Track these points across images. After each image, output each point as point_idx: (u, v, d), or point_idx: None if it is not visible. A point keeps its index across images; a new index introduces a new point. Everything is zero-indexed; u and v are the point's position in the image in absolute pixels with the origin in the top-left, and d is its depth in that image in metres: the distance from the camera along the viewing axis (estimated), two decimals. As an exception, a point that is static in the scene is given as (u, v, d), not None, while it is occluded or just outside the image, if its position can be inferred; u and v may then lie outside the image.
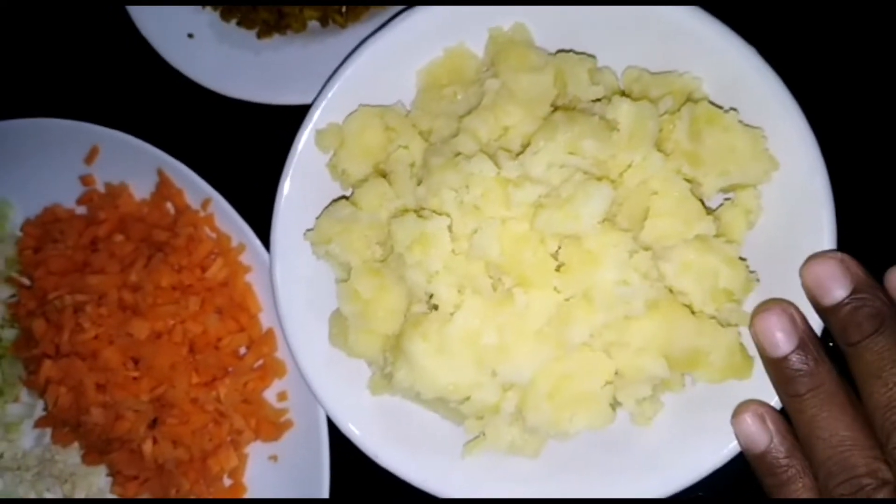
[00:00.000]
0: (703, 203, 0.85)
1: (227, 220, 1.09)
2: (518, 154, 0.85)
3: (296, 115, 0.96)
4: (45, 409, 1.14)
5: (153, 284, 1.06)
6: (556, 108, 0.89)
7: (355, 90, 0.94)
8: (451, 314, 0.85)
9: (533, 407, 0.84)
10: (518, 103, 0.87)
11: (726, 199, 0.89)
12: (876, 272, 0.79)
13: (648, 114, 0.84)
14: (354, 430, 0.94)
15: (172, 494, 1.07)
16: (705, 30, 0.86)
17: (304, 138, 0.94)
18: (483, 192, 0.83)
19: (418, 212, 0.87)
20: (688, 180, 0.85)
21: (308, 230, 0.94)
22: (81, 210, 1.18)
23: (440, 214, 0.85)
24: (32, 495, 1.13)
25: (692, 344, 0.83)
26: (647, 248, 0.82)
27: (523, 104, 0.88)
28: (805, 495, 0.78)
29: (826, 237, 0.83)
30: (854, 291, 0.77)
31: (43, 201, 1.20)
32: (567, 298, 0.83)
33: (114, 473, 1.12)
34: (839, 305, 0.78)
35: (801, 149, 0.84)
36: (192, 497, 1.07)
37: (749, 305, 0.85)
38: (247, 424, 1.07)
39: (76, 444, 1.14)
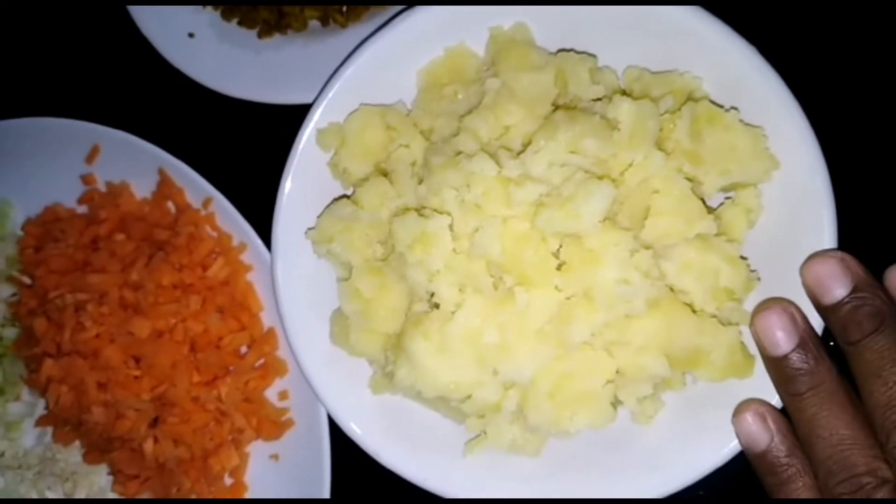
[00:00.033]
0: (703, 202, 0.85)
1: (228, 219, 1.09)
2: (519, 153, 0.85)
3: (297, 115, 0.96)
4: (47, 407, 1.14)
5: (154, 283, 1.06)
6: (556, 108, 0.89)
7: (356, 89, 0.94)
8: (453, 313, 0.85)
9: (534, 406, 0.84)
10: (519, 102, 0.88)
11: (727, 199, 0.89)
12: (876, 270, 0.79)
13: (649, 113, 0.84)
14: (355, 429, 0.94)
15: (173, 493, 1.07)
16: (706, 29, 0.86)
17: (305, 137, 0.94)
18: (484, 191, 0.83)
19: (419, 211, 0.87)
20: (689, 179, 0.85)
21: (309, 229, 0.94)
22: (82, 209, 1.18)
23: (441, 213, 0.85)
24: (33, 494, 1.14)
25: (693, 343, 0.83)
26: (647, 247, 0.82)
27: (524, 103, 0.88)
28: (805, 494, 0.78)
29: (826, 236, 0.83)
30: (854, 290, 0.78)
31: (44, 200, 1.20)
32: (568, 297, 0.83)
33: (115, 472, 1.12)
34: (839, 304, 0.78)
35: (801, 148, 0.84)
36: (194, 496, 1.08)
37: (750, 304, 0.85)
38: (248, 423, 1.07)
39: (77, 443, 1.14)
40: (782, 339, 0.80)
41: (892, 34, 1.03)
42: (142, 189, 1.16)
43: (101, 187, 1.17)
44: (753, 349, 0.84)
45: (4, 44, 1.29)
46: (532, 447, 0.89)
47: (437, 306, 0.86)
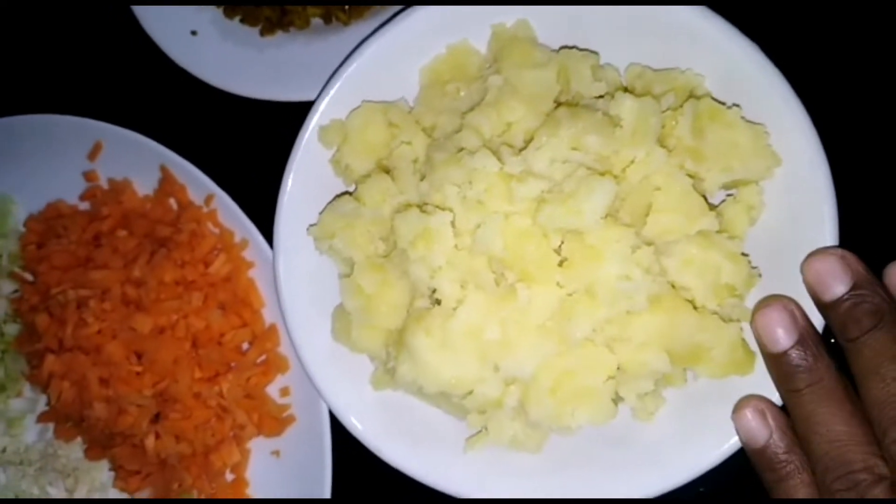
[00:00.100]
0: (705, 199, 0.86)
1: (230, 215, 1.10)
2: (521, 150, 0.86)
3: (299, 112, 0.96)
4: (48, 403, 1.14)
5: (156, 280, 1.07)
6: (559, 105, 0.89)
7: (358, 87, 0.95)
8: (454, 309, 0.85)
9: (535, 402, 0.84)
10: (521, 99, 0.88)
11: (728, 195, 0.89)
12: (877, 268, 0.80)
13: (651, 110, 0.84)
14: (357, 425, 0.94)
15: (175, 489, 1.07)
16: (708, 27, 0.86)
17: (308, 134, 0.95)
18: (486, 188, 0.83)
19: (421, 207, 0.87)
20: (690, 176, 0.85)
21: (311, 225, 0.94)
22: (85, 206, 1.18)
23: (443, 210, 0.85)
24: (35, 490, 1.14)
25: (694, 339, 0.83)
26: (649, 244, 0.82)
27: (526, 100, 0.88)
28: (803, 491, 0.79)
29: (828, 233, 0.83)
30: (854, 287, 0.78)
31: (46, 197, 1.20)
32: (569, 293, 0.83)
33: (116, 468, 1.12)
34: (839, 301, 0.78)
35: (803, 145, 0.84)
36: (195, 492, 1.08)
37: (751, 301, 0.85)
38: (249, 419, 1.07)
39: (79, 439, 1.14)
40: (782, 336, 0.80)
41: (893, 32, 1.03)
42: (144, 186, 1.16)
43: (104, 184, 1.18)
44: (754, 346, 0.84)
45: (8, 42, 1.29)
46: (533, 443, 0.89)
47: (438, 302, 0.86)
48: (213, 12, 1.17)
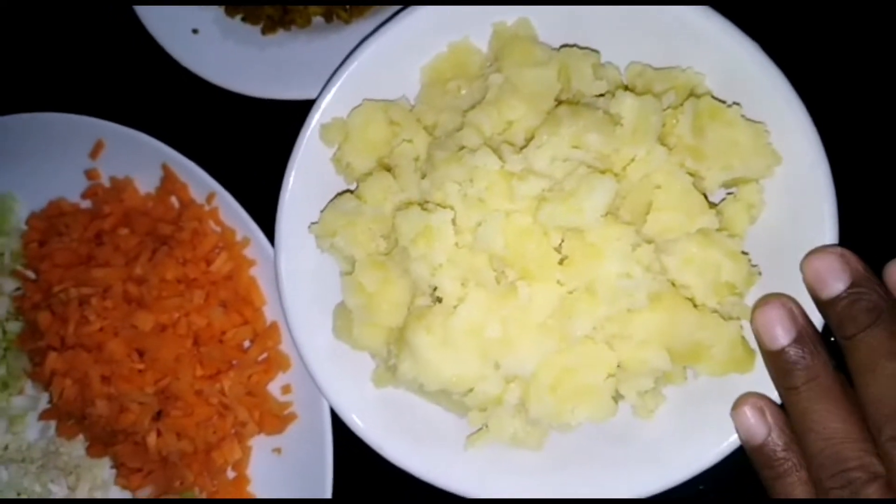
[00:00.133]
0: (705, 197, 0.86)
1: (232, 214, 1.10)
2: (522, 148, 0.86)
3: (300, 110, 0.96)
4: (50, 401, 1.14)
5: (158, 277, 1.07)
6: (559, 103, 0.89)
7: (359, 85, 0.95)
8: (455, 307, 0.85)
9: (536, 399, 0.85)
10: (522, 98, 0.88)
11: (729, 194, 0.89)
12: (878, 266, 0.80)
13: (652, 108, 0.84)
14: (358, 422, 0.94)
15: (176, 487, 1.08)
16: (708, 25, 0.87)
17: (309, 133, 0.95)
18: (487, 186, 0.83)
19: (422, 205, 0.87)
20: (691, 174, 0.85)
21: (313, 223, 0.94)
22: (86, 204, 1.19)
23: (444, 207, 0.85)
24: (37, 487, 1.14)
25: (694, 337, 0.84)
26: (649, 242, 0.82)
27: (527, 99, 0.88)
28: (800, 489, 0.79)
29: (828, 232, 0.83)
30: (852, 285, 0.78)
31: (48, 195, 1.21)
32: (570, 291, 0.83)
33: (118, 465, 1.12)
34: (837, 299, 0.78)
35: (803, 143, 0.84)
36: (196, 489, 1.08)
37: (751, 299, 0.86)
38: (251, 417, 1.08)
39: (81, 437, 1.15)
40: (779, 333, 0.80)
41: (892, 31, 1.03)
42: (145, 184, 1.16)
43: (105, 182, 1.18)
44: (754, 344, 0.84)
45: (11, 40, 1.30)
46: (534, 440, 0.90)
47: (439, 300, 0.87)
48: (214, 11, 1.18)
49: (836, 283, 0.78)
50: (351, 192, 0.95)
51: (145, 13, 1.16)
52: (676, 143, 0.87)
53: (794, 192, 0.85)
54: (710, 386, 0.87)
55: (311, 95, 0.97)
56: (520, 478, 0.91)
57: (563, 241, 0.84)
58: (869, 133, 1.01)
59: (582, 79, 0.89)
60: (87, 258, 1.12)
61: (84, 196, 1.19)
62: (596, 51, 0.92)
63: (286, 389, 1.09)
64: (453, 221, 0.85)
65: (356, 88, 0.95)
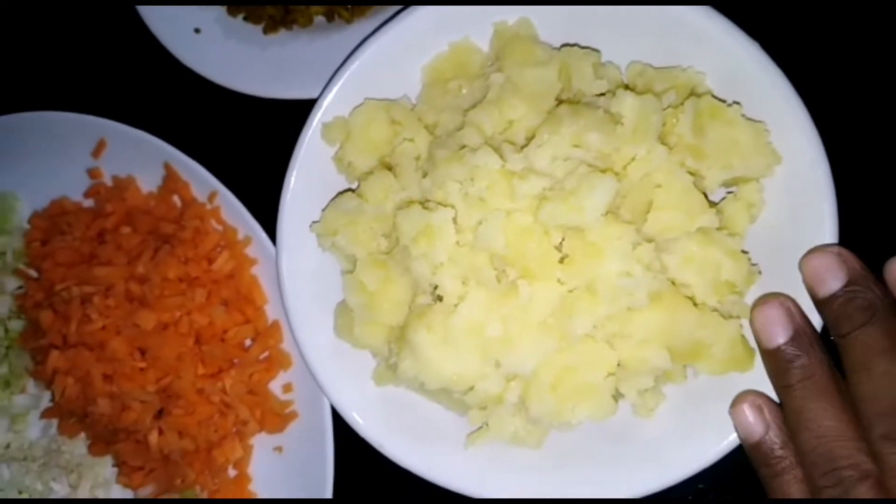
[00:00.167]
0: (705, 196, 0.86)
1: (234, 212, 1.10)
2: (523, 147, 0.86)
3: (302, 110, 0.96)
4: (52, 399, 1.14)
5: (160, 276, 1.07)
6: (560, 102, 0.89)
7: (361, 84, 0.95)
8: (456, 305, 0.85)
9: (536, 398, 0.85)
10: (523, 97, 0.88)
11: (729, 193, 0.89)
12: (877, 264, 0.80)
13: (652, 107, 0.85)
14: (359, 420, 0.94)
15: (178, 485, 1.08)
16: (708, 25, 0.87)
17: (311, 132, 0.95)
18: (488, 185, 0.84)
19: (424, 204, 0.87)
20: (691, 173, 0.86)
21: (314, 222, 0.94)
22: (89, 203, 1.19)
23: (445, 206, 0.85)
24: (39, 486, 1.14)
25: (694, 336, 0.84)
26: (650, 241, 0.83)
27: (528, 98, 0.88)
28: (796, 487, 0.79)
29: (828, 230, 0.84)
30: (848, 283, 0.78)
31: (50, 194, 1.21)
32: (570, 290, 0.84)
33: (119, 464, 1.13)
34: (833, 297, 0.79)
35: (803, 143, 0.84)
36: (198, 488, 1.08)
37: (751, 298, 0.86)
38: (252, 416, 1.08)
39: (82, 435, 1.15)
40: (776, 332, 0.81)
41: (892, 30, 1.03)
42: (148, 183, 1.16)
43: (108, 181, 1.18)
44: (754, 343, 0.84)
45: (14, 40, 1.30)
46: (534, 439, 0.90)
47: (440, 299, 0.87)
48: (216, 10, 1.18)
49: (832, 282, 0.79)
50: (352, 190, 0.95)
51: (147, 13, 1.17)
52: (677, 143, 0.87)
53: (794, 192, 0.86)
54: (710, 385, 0.87)
55: (312, 95, 0.97)
56: (520, 476, 0.92)
57: (563, 239, 0.84)
58: (868, 132, 1.02)
59: (582, 78, 0.89)
60: (89, 257, 1.12)
61: (86, 195, 1.19)
62: (597, 50, 0.92)
63: (287, 388, 1.09)
64: (454, 220, 0.85)
65: (357, 88, 0.95)
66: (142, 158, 1.14)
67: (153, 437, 1.07)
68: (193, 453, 1.08)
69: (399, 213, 0.88)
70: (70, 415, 1.13)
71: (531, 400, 0.85)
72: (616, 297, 0.82)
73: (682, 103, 0.87)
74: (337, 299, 0.96)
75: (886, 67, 1.03)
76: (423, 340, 0.85)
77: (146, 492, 1.12)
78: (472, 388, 0.87)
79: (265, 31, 1.16)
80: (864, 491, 0.73)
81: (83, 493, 1.13)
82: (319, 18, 1.15)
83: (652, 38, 0.90)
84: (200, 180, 1.11)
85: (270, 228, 1.01)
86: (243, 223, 1.10)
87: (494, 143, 0.86)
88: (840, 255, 0.79)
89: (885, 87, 1.03)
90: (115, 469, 1.14)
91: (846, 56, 1.04)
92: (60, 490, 1.14)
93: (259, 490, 1.10)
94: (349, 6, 1.12)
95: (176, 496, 1.09)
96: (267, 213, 1.01)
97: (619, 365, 0.85)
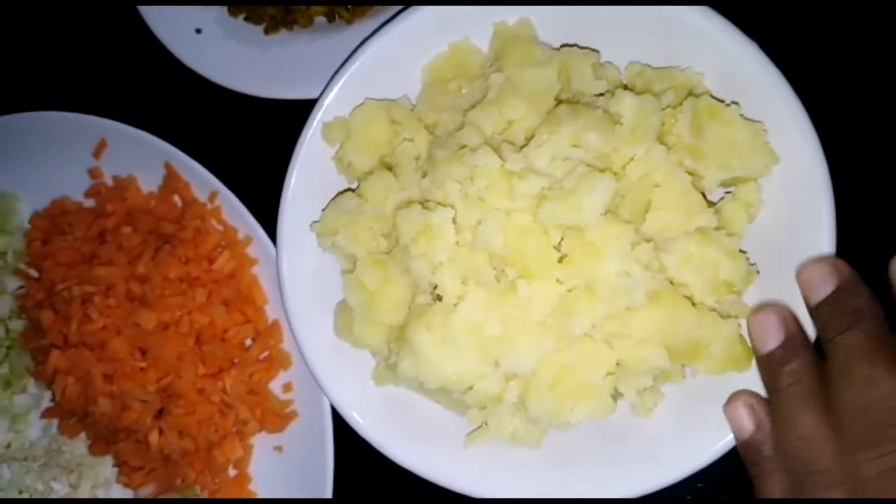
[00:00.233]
0: (704, 196, 0.86)
1: (234, 212, 1.10)
2: (522, 147, 0.86)
3: (302, 110, 0.96)
4: (53, 399, 1.14)
5: (160, 276, 1.07)
6: (559, 102, 0.89)
7: (361, 85, 0.95)
8: (455, 305, 0.85)
9: (535, 397, 0.85)
10: (522, 97, 0.88)
11: (727, 193, 0.90)
12: (876, 265, 0.80)
13: (651, 108, 0.85)
14: (358, 420, 0.94)
15: (178, 485, 1.08)
16: (707, 25, 0.87)
17: (311, 132, 0.95)
18: (487, 184, 0.84)
19: (423, 203, 0.87)
20: (689, 173, 0.86)
21: (314, 222, 0.95)
22: (89, 202, 1.19)
23: (445, 206, 0.85)
24: (39, 485, 1.14)
25: (693, 335, 0.84)
26: (648, 240, 0.83)
27: (527, 98, 0.88)
28: (776, 487, 0.79)
29: (826, 230, 0.84)
30: (837, 290, 0.79)
31: (51, 194, 1.21)
32: (569, 290, 0.84)
33: (120, 464, 1.13)
34: (822, 303, 0.79)
35: (801, 143, 0.84)
36: (198, 487, 1.08)
37: (749, 297, 0.86)
38: (252, 415, 1.08)
39: (83, 435, 1.15)
40: (768, 338, 0.81)
41: (892, 31, 1.03)
42: (148, 183, 1.17)
43: (108, 181, 1.18)
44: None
45: (14, 40, 1.30)
46: (533, 438, 0.90)
47: (440, 298, 0.87)
48: (217, 11, 1.18)
49: (823, 288, 0.79)
50: (352, 190, 0.95)
51: (148, 13, 1.17)
52: (675, 143, 0.87)
53: (793, 192, 0.86)
54: (708, 384, 0.88)
55: (313, 95, 0.98)
56: (519, 475, 0.92)
57: (562, 239, 0.84)
58: (867, 133, 1.02)
59: (582, 78, 0.89)
60: (90, 257, 1.12)
61: (87, 195, 1.19)
62: (596, 50, 0.92)
63: (287, 388, 1.09)
64: (454, 220, 0.85)
65: (358, 88, 0.95)
66: (143, 158, 1.14)
67: (153, 437, 1.07)
68: (194, 453, 1.08)
69: (399, 213, 0.88)
70: (70, 414, 1.13)
71: (530, 399, 0.85)
72: (615, 296, 0.82)
73: (680, 103, 0.87)
74: (337, 299, 0.96)
75: (885, 68, 1.03)
76: (423, 340, 0.85)
77: (146, 491, 1.12)
78: (471, 388, 0.87)
79: (266, 32, 1.16)
80: (836, 494, 0.73)
81: (83, 493, 1.13)
82: (320, 19, 1.15)
83: (651, 38, 0.90)
84: (201, 180, 1.11)
85: (271, 228, 1.01)
86: (244, 223, 1.10)
87: (494, 143, 0.87)
88: (833, 264, 0.80)
89: (883, 87, 1.03)
90: (116, 469, 1.14)
91: (845, 56, 1.04)
92: (61, 490, 1.14)
93: (259, 490, 1.10)
94: (350, 6, 1.12)
95: (176, 496, 1.10)
96: (267, 213, 1.02)
97: (617, 364, 0.85)
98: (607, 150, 0.85)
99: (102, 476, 1.15)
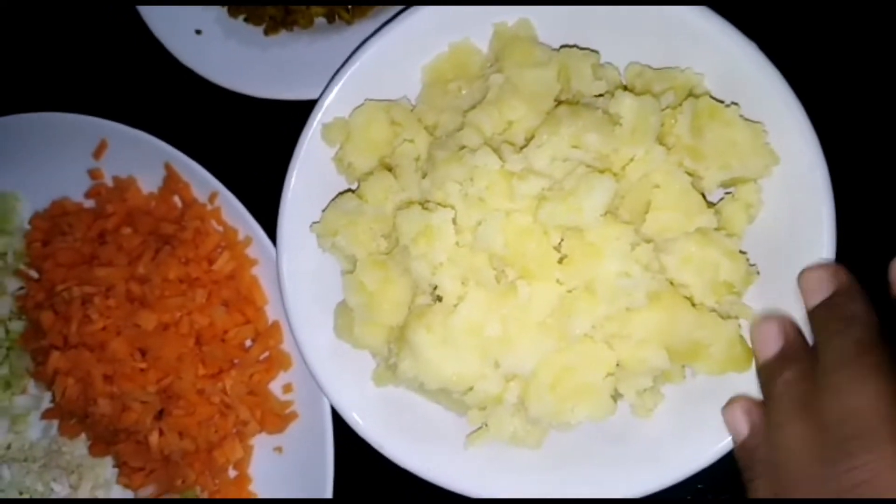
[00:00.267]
0: (704, 197, 0.86)
1: (234, 213, 1.10)
2: (522, 148, 0.86)
3: (302, 110, 0.96)
4: (53, 400, 1.14)
5: (160, 277, 1.07)
6: (559, 103, 0.89)
7: (361, 85, 0.95)
8: (455, 306, 0.85)
9: (535, 398, 0.85)
10: (522, 98, 0.88)
11: (727, 194, 0.90)
12: (876, 266, 0.79)
13: (651, 108, 0.85)
14: (358, 420, 0.94)
15: (178, 485, 1.08)
16: (707, 26, 0.87)
17: (311, 132, 0.95)
18: (487, 185, 0.84)
19: (423, 204, 0.87)
20: (689, 174, 0.86)
21: (314, 223, 0.95)
22: (89, 203, 1.19)
23: (445, 207, 0.85)
24: (39, 486, 1.14)
25: (693, 336, 0.84)
26: (648, 241, 0.83)
27: (527, 99, 0.88)
28: (763, 493, 0.79)
29: (826, 231, 0.84)
30: (833, 295, 0.79)
31: (51, 194, 1.21)
32: (569, 290, 0.84)
33: (120, 464, 1.13)
34: (817, 308, 0.79)
35: (801, 143, 0.84)
36: (198, 488, 1.08)
37: (749, 298, 0.86)
38: (252, 416, 1.08)
39: (83, 436, 1.15)
40: (768, 345, 0.82)
41: (891, 31, 1.03)
42: (148, 184, 1.16)
43: (109, 182, 1.18)
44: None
45: (14, 40, 1.30)
46: (533, 439, 0.90)
47: (440, 299, 0.87)
48: (217, 11, 1.18)
49: (820, 293, 0.79)
50: (352, 191, 0.95)
51: (148, 13, 1.17)
52: (675, 143, 0.87)
53: (792, 192, 0.86)
54: (708, 385, 0.88)
55: (313, 95, 0.98)
56: (519, 476, 0.92)
57: (562, 240, 0.84)
58: (866, 133, 1.02)
59: (581, 79, 0.89)
60: (90, 257, 1.12)
61: (87, 195, 1.19)
62: (595, 51, 0.92)
63: (287, 388, 1.09)
64: (454, 221, 0.85)
65: (358, 88, 0.95)
66: (143, 159, 1.14)
67: (154, 438, 1.07)
68: (194, 454, 1.08)
69: (399, 214, 0.88)
70: (71, 415, 1.13)
71: (530, 400, 0.85)
72: (615, 297, 0.82)
73: (680, 104, 0.87)
74: (337, 300, 0.96)
75: (885, 68, 1.03)
76: (423, 341, 0.85)
77: (147, 492, 1.12)
78: (471, 389, 0.87)
79: (266, 32, 1.16)
80: None
81: (84, 494, 1.13)
82: (320, 19, 1.15)
83: (651, 38, 0.90)
84: (201, 181, 1.11)
85: (271, 229, 1.01)
86: (244, 224, 1.10)
87: (494, 143, 0.87)
88: (832, 270, 0.80)
89: (883, 87, 1.03)
90: (116, 470, 1.14)
91: (844, 57, 1.04)
92: (61, 491, 1.14)
93: (259, 490, 1.10)
94: (350, 7, 1.12)
95: (176, 497, 1.10)
96: (267, 214, 1.02)
97: (617, 365, 0.85)
98: (607, 151, 0.85)
99: (102, 477, 1.15)
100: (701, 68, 0.89)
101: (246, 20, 1.17)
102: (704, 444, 0.87)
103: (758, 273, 0.87)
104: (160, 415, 1.08)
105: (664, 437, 0.89)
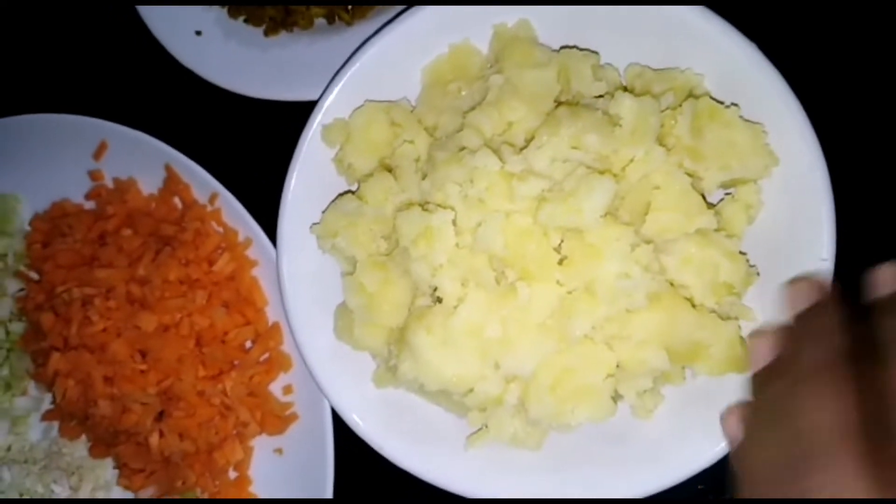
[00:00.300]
0: (703, 197, 0.86)
1: (234, 214, 1.10)
2: (522, 149, 0.86)
3: (302, 111, 0.96)
4: (53, 402, 1.14)
5: (161, 278, 1.07)
6: (559, 104, 0.89)
7: (361, 86, 0.95)
8: (455, 307, 0.85)
9: (535, 399, 0.85)
10: (522, 99, 0.88)
11: (727, 194, 0.90)
12: (874, 265, 0.79)
13: (650, 109, 0.85)
14: (359, 422, 0.95)
15: (178, 487, 1.08)
16: (707, 27, 0.87)
17: (311, 134, 0.95)
18: (487, 186, 0.84)
19: (423, 205, 0.87)
20: (689, 175, 0.86)
21: (314, 224, 0.95)
22: (90, 205, 1.19)
23: (445, 208, 0.85)
24: (39, 488, 1.14)
25: (693, 337, 0.84)
26: (648, 242, 0.83)
27: (527, 100, 0.88)
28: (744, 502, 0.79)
29: (825, 232, 0.84)
30: (813, 307, 0.78)
31: (51, 196, 1.21)
32: (569, 291, 0.84)
33: (120, 466, 1.12)
34: (793, 321, 0.79)
35: (801, 144, 0.84)
36: (198, 490, 1.08)
37: (749, 299, 0.86)
38: (252, 417, 1.08)
39: (83, 437, 1.15)
40: (758, 359, 0.80)
41: (891, 32, 1.03)
42: (149, 185, 1.16)
43: (109, 183, 1.18)
44: (753, 344, 0.85)
45: (14, 41, 1.30)
46: (533, 440, 0.90)
47: (440, 301, 0.87)
48: (217, 12, 1.18)
49: (798, 306, 0.79)
50: (352, 192, 0.95)
51: (148, 14, 1.17)
52: (675, 144, 0.87)
53: (792, 194, 0.86)
54: (708, 386, 0.88)
55: (313, 96, 0.98)
56: (519, 477, 0.92)
57: (562, 241, 0.84)
58: (866, 134, 1.01)
59: (581, 80, 0.90)
60: (90, 259, 1.12)
61: (87, 197, 1.19)
62: (595, 52, 0.92)
63: (287, 390, 1.09)
64: (454, 222, 0.85)
65: (358, 89, 0.95)
66: (143, 160, 1.14)
67: (154, 440, 1.07)
68: (194, 455, 1.07)
69: (399, 215, 0.88)
70: (71, 417, 1.13)
71: (530, 401, 0.85)
72: (615, 298, 0.82)
73: (680, 105, 0.88)
74: (337, 301, 0.96)
75: (885, 68, 1.03)
76: (423, 342, 0.85)
77: (147, 494, 1.12)
78: (471, 390, 0.87)
79: (266, 33, 1.16)
80: None
81: (84, 496, 1.13)
82: (320, 20, 1.15)
83: (651, 38, 0.90)
84: (201, 182, 1.11)
85: (271, 230, 1.01)
86: (244, 225, 1.10)
87: (494, 144, 0.87)
88: (813, 283, 0.80)
89: (883, 88, 1.03)
90: (116, 471, 1.14)
91: (844, 57, 1.04)
92: (61, 492, 1.14)
93: (259, 492, 1.10)
94: (349, 8, 1.12)
95: (176, 498, 1.10)
96: (267, 215, 1.01)
97: (617, 366, 0.85)
98: (607, 152, 0.85)
99: (103, 478, 1.15)
100: (701, 69, 0.89)
101: (246, 21, 1.17)
102: (705, 444, 0.87)
103: (758, 274, 0.87)
104: (160, 416, 1.08)
105: (664, 438, 0.89)
